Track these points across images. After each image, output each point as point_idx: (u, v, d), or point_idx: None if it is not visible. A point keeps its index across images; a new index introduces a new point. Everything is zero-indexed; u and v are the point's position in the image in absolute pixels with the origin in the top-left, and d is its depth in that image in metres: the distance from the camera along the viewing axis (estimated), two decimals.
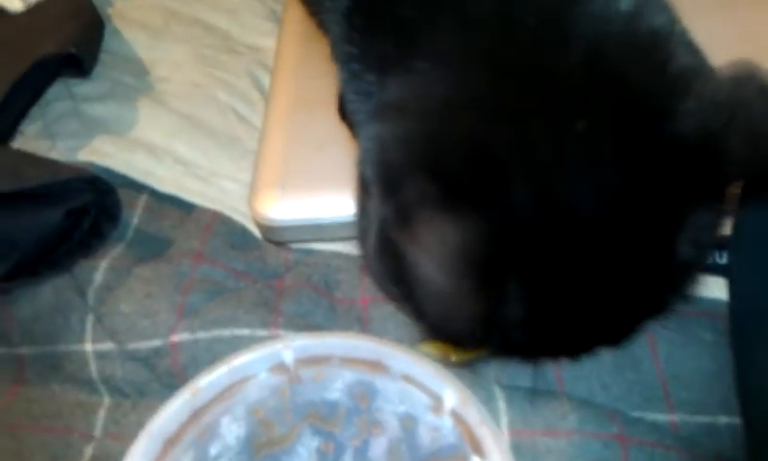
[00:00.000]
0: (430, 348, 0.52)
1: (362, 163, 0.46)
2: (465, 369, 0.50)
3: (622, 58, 0.40)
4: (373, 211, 0.43)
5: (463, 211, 0.37)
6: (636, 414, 0.49)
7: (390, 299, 0.50)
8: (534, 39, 0.40)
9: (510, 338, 0.42)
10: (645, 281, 0.41)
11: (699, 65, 0.41)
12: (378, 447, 0.46)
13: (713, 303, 0.52)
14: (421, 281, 0.40)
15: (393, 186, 0.40)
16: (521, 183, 0.38)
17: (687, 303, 0.43)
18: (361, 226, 0.47)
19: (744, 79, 0.37)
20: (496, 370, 0.51)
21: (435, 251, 0.38)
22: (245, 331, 0.52)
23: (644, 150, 0.38)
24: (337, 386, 0.46)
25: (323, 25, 0.58)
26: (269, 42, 0.77)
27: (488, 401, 0.48)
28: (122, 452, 0.40)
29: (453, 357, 0.52)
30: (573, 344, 0.44)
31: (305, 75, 0.68)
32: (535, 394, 0.49)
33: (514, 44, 0.41)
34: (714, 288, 0.52)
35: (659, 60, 0.40)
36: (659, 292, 0.42)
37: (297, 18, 0.72)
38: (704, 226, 0.41)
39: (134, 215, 0.62)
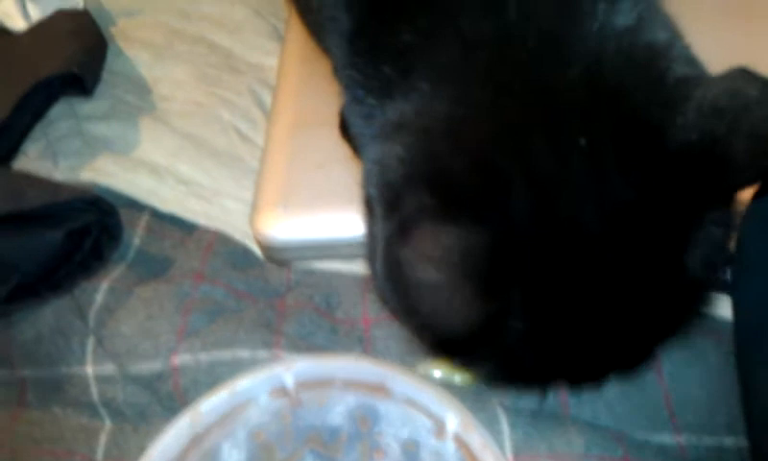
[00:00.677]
0: (434, 369, 0.51)
1: (366, 185, 0.46)
2: (468, 392, 0.50)
3: (621, 73, 0.40)
4: (379, 232, 0.43)
5: (462, 221, 0.38)
6: (641, 436, 0.49)
7: (396, 319, 0.50)
8: (533, 57, 0.41)
9: (516, 355, 0.42)
10: (656, 299, 0.40)
11: (698, 76, 0.41)
12: None
13: (719, 323, 0.51)
14: (423, 293, 0.39)
15: (394, 204, 0.41)
16: (523, 197, 0.38)
17: (701, 321, 0.43)
18: (369, 248, 0.47)
19: (743, 82, 0.37)
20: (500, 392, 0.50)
21: (436, 260, 0.38)
22: (246, 353, 0.52)
23: (646, 163, 0.38)
24: (339, 410, 0.46)
25: (324, 46, 0.58)
26: (271, 61, 0.77)
27: (491, 425, 0.47)
28: None
29: (457, 378, 0.51)
30: (584, 366, 0.44)
31: (307, 94, 0.68)
32: (539, 417, 0.49)
33: (514, 62, 0.41)
34: (720, 307, 0.51)
35: (657, 74, 0.40)
36: (671, 310, 0.42)
37: (299, 37, 0.72)
38: (713, 239, 0.41)
39: (136, 235, 0.61)
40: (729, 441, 0.49)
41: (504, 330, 0.40)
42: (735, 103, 0.37)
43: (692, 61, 0.42)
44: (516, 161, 0.39)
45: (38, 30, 0.76)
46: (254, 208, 0.60)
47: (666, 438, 0.49)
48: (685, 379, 0.50)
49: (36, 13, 0.78)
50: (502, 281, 0.39)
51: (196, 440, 0.44)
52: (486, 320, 0.40)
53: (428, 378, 0.50)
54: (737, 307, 0.49)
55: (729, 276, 0.51)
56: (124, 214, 0.61)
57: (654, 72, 0.40)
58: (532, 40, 0.41)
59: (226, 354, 0.52)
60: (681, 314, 0.43)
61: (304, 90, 0.68)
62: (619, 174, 0.38)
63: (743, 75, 0.38)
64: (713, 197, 0.39)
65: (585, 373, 0.45)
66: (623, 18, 0.41)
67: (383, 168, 0.43)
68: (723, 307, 0.51)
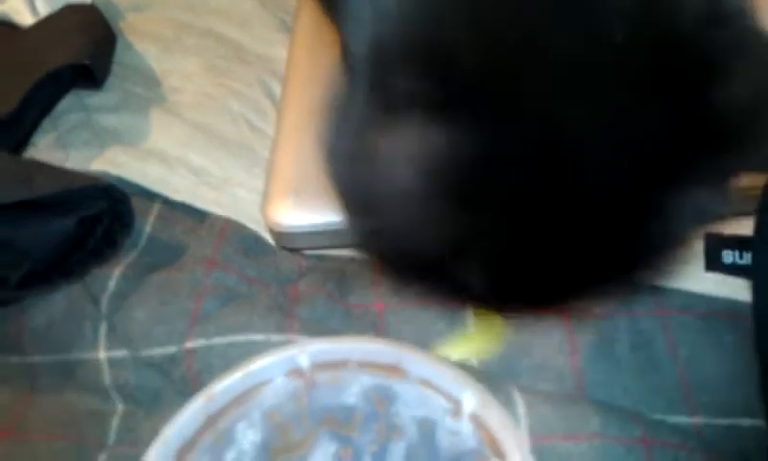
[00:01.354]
0: (450, 352, 0.51)
1: (350, 40, 0.38)
2: (484, 373, 0.49)
3: None
4: (353, 99, 0.37)
5: (453, 119, 0.33)
6: (657, 417, 0.49)
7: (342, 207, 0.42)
8: None
9: (479, 279, 0.39)
10: (626, 242, 0.37)
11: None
12: (397, 451, 0.45)
13: (734, 304, 0.51)
14: (392, 195, 0.35)
15: (386, 70, 0.35)
16: (530, 111, 0.33)
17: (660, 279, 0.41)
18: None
19: None
20: (516, 373, 0.50)
21: (416, 160, 0.34)
22: (260, 336, 0.51)
23: (676, 103, 0.33)
24: (354, 390, 0.45)
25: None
26: (280, 52, 0.77)
27: (507, 406, 0.47)
28: (136, 460, 0.40)
29: (474, 360, 0.51)
30: (543, 290, 0.40)
31: (316, 83, 0.67)
32: (555, 398, 0.48)
33: None
34: (735, 289, 0.51)
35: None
36: (637, 257, 0.38)
37: (307, 29, 0.72)
38: (702, 204, 0.36)
39: (147, 223, 0.61)
40: (746, 422, 0.48)
41: (473, 249, 0.36)
42: None
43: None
44: (534, 62, 0.33)
45: (46, 24, 0.76)
46: (266, 196, 0.60)
47: (683, 419, 0.49)
48: (702, 361, 0.50)
49: (44, 8, 0.78)
50: (479, 195, 0.34)
51: (210, 421, 0.43)
52: (455, 233, 0.36)
53: (444, 359, 0.50)
54: (758, 290, 0.49)
55: (743, 259, 0.51)
56: (135, 203, 0.61)
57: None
58: None
59: (239, 338, 0.51)
60: (649, 263, 0.39)
61: (313, 80, 0.68)
62: (642, 105, 0.33)
63: None
64: (716, 164, 0.35)
65: (543, 297, 0.41)
66: None
67: (379, 21, 0.35)
68: (738, 289, 0.51)
